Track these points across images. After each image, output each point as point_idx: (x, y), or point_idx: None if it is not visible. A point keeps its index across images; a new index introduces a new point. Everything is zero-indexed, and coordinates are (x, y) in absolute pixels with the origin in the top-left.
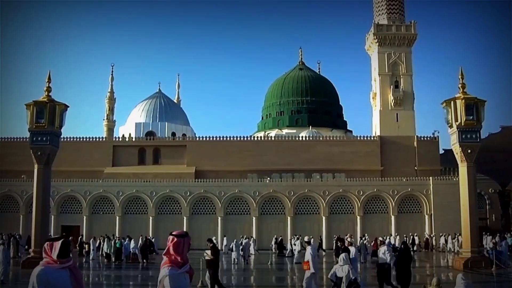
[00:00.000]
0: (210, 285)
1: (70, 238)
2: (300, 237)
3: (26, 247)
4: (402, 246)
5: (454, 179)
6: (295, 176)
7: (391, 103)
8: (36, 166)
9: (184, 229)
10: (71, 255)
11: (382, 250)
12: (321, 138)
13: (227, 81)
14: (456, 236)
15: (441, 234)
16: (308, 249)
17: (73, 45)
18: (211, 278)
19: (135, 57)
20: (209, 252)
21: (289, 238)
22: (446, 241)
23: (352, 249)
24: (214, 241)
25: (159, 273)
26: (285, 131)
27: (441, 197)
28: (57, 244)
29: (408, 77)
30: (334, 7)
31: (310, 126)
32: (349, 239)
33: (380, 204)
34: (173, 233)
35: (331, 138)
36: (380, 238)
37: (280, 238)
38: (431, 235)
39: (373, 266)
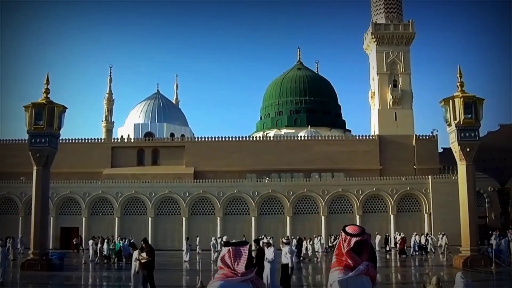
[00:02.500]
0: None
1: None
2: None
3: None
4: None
5: (453, 178)
6: (294, 176)
7: (389, 102)
8: (35, 168)
9: (184, 229)
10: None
11: (284, 251)
12: (319, 138)
13: (225, 81)
14: (440, 235)
15: (418, 234)
16: (269, 250)
17: (72, 46)
18: (147, 278)
19: (133, 58)
20: (144, 254)
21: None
22: (426, 240)
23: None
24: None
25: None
26: (283, 131)
27: (440, 195)
28: (244, 251)
29: (406, 76)
30: (332, 7)
31: (309, 126)
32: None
33: (379, 203)
34: (348, 230)
35: (330, 138)
36: (359, 238)
37: (298, 238)
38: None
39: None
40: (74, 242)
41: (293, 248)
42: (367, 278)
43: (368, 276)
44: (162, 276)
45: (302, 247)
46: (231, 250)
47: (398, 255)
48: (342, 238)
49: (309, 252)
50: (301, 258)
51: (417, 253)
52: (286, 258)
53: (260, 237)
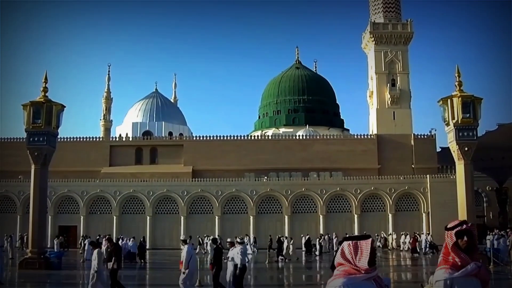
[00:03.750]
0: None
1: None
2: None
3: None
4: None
5: (451, 177)
6: (292, 175)
7: (388, 102)
8: (33, 166)
9: (182, 228)
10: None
11: (236, 250)
12: (318, 137)
13: (224, 80)
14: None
15: (402, 233)
16: (184, 248)
17: (70, 45)
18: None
19: (131, 57)
20: (110, 264)
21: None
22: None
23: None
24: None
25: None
26: (282, 130)
27: (438, 195)
28: (365, 245)
29: (404, 75)
30: (331, 6)
31: (307, 125)
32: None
33: (377, 202)
34: (448, 226)
35: (328, 137)
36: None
37: (308, 236)
38: (390, 234)
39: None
40: (56, 241)
41: (251, 246)
42: (477, 281)
43: (478, 279)
44: (160, 275)
45: (282, 246)
46: (351, 244)
47: (411, 254)
48: (446, 236)
49: (290, 251)
50: (281, 258)
51: (429, 252)
52: (236, 257)
53: (217, 237)
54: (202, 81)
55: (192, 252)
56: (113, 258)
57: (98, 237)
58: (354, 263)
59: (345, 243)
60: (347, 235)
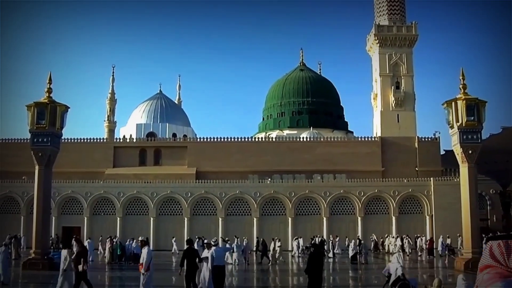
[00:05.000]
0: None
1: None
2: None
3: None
4: (312, 248)
5: (455, 180)
6: (296, 177)
7: (392, 104)
8: (37, 167)
9: (185, 229)
10: None
11: (210, 252)
12: (322, 139)
13: (228, 82)
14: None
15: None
16: (144, 250)
17: (74, 45)
18: (81, 277)
19: (136, 58)
20: (80, 266)
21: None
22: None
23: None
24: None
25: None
26: (286, 132)
27: (442, 198)
28: None
29: (409, 78)
30: (335, 8)
31: (311, 127)
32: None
33: (381, 205)
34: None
35: (332, 139)
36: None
37: (321, 238)
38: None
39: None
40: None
41: (228, 247)
42: None
43: None
44: (163, 276)
45: (267, 249)
46: (501, 243)
47: (427, 256)
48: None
49: (277, 254)
50: (267, 259)
51: (446, 254)
52: (209, 259)
53: (201, 238)
54: (206, 82)
55: (152, 254)
56: (82, 259)
57: (100, 237)
58: (506, 265)
59: (494, 243)
60: (490, 235)
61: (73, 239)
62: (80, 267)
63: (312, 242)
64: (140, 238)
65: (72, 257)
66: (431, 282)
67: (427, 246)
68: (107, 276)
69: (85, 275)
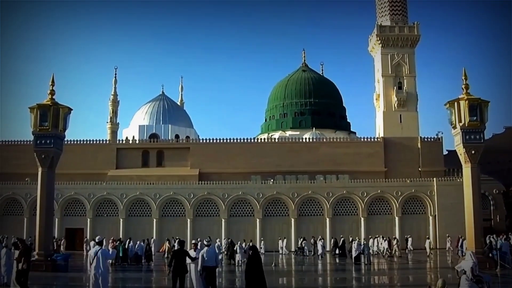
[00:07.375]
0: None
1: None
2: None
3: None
4: (251, 251)
5: (458, 180)
6: (299, 177)
7: (394, 104)
8: (40, 169)
9: (188, 231)
10: None
11: (196, 253)
12: (324, 140)
13: (230, 83)
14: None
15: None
16: (92, 250)
17: (76, 47)
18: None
19: (138, 59)
20: (21, 264)
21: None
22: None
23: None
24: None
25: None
26: (288, 132)
27: (445, 198)
28: None
29: (411, 78)
30: (337, 9)
31: (314, 128)
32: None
33: (384, 205)
34: None
35: (335, 140)
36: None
37: (342, 239)
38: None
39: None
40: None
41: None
42: None
43: None
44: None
45: (234, 249)
46: None
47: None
48: None
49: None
50: (240, 261)
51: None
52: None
53: (197, 240)
54: (208, 83)
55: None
56: (23, 258)
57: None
58: None
59: None
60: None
61: (17, 240)
62: (20, 265)
63: (251, 244)
64: (193, 242)
65: (15, 256)
66: (435, 282)
67: (456, 244)
68: (110, 277)
69: (25, 274)
